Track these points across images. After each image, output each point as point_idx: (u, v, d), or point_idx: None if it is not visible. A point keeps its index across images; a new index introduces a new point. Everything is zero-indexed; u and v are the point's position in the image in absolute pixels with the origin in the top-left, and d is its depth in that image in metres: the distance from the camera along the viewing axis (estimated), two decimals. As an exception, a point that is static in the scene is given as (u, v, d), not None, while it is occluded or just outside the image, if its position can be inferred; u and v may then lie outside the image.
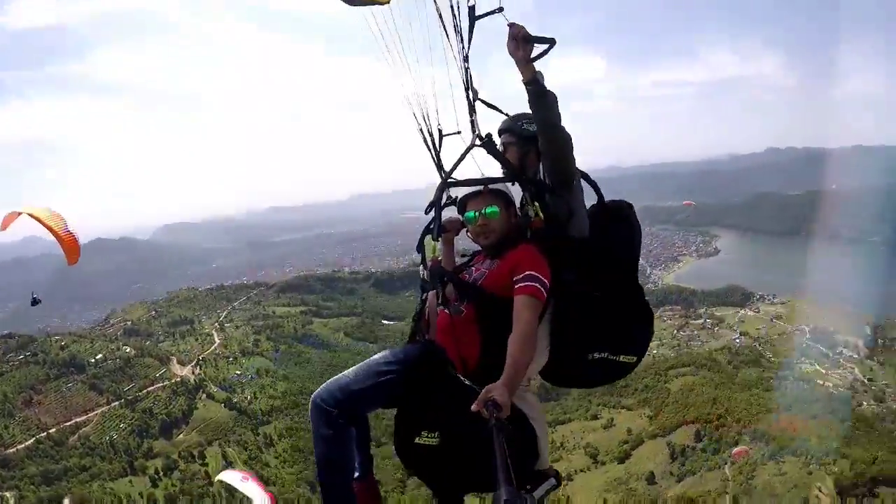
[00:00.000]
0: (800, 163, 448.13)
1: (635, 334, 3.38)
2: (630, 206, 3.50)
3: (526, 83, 2.90)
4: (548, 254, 3.09)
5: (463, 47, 3.20)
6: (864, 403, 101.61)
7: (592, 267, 3.21)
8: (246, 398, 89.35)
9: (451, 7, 3.04)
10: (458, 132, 3.72)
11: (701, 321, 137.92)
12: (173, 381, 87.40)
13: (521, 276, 2.92)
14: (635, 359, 3.36)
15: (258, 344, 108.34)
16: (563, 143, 3.16)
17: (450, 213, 3.77)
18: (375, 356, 3.12)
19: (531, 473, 2.92)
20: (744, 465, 68.75)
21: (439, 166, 3.80)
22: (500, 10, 2.91)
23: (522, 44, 2.82)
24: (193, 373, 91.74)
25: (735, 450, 73.77)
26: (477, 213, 3.29)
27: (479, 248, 3.54)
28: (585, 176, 3.39)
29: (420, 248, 3.58)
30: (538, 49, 2.85)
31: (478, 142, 3.50)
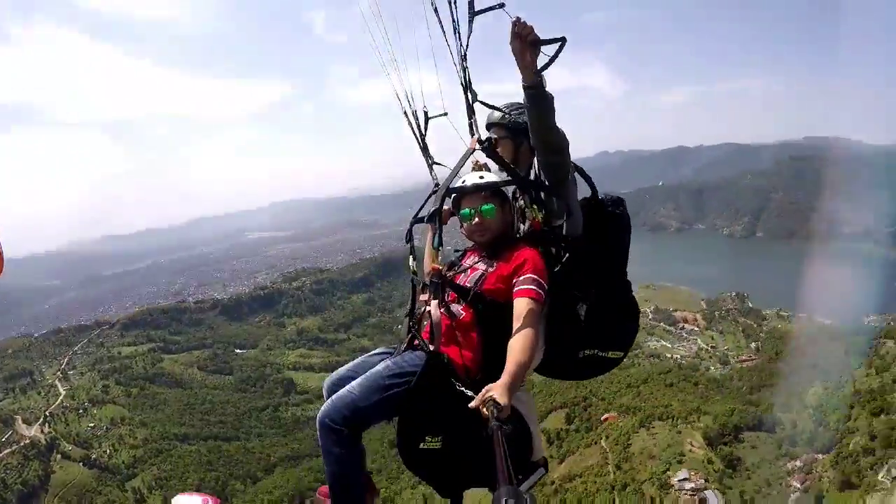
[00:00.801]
0: (628, 164, 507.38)
1: (623, 330, 3.42)
2: (622, 200, 3.49)
3: (527, 87, 2.80)
4: (544, 255, 3.13)
5: (461, 45, 3.08)
6: (712, 368, 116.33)
7: (587, 264, 3.21)
8: (105, 452, 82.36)
9: (449, 2, 2.95)
10: (445, 114, 3.69)
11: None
12: (22, 443, 78.82)
13: (521, 278, 2.94)
14: (622, 354, 3.43)
15: (108, 390, 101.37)
16: (560, 143, 3.11)
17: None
18: (378, 368, 3.04)
19: (525, 466, 3.01)
20: (618, 436, 74.23)
21: (425, 151, 3.78)
22: (502, 5, 2.79)
23: (530, 47, 2.68)
24: (42, 431, 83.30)
25: (604, 416, 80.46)
26: (472, 211, 3.25)
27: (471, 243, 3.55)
28: (579, 169, 3.38)
29: (409, 237, 3.58)
30: (545, 54, 2.73)
31: (478, 146, 3.42)
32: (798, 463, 66.37)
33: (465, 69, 3.16)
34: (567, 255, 3.23)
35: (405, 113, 3.79)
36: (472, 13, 2.93)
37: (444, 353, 3.01)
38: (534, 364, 3.11)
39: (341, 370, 3.38)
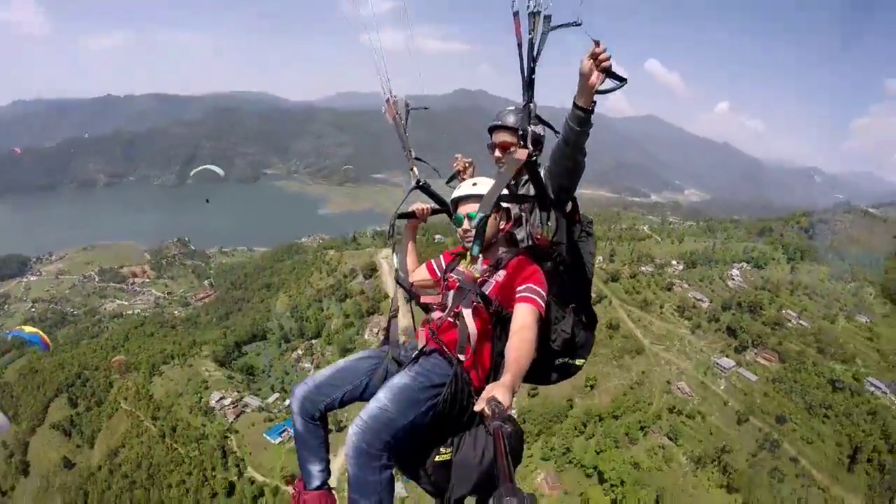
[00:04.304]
0: (51, 114, 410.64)
1: (588, 340, 3.57)
2: (592, 220, 3.63)
3: (582, 107, 2.83)
4: (544, 271, 3.25)
5: (534, 55, 3.00)
6: (176, 312, 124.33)
7: (572, 280, 3.47)
8: None
9: (530, 12, 2.91)
10: (426, 108, 4.11)
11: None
12: None
13: (525, 286, 3.03)
14: (584, 361, 3.57)
15: None
16: (581, 168, 3.24)
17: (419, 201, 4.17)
18: (405, 381, 2.87)
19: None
20: (135, 393, 77.71)
21: (403, 140, 4.02)
22: (578, 23, 2.72)
23: (601, 72, 2.69)
24: None
25: (114, 359, 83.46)
26: (464, 216, 3.36)
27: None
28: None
29: (392, 233, 3.83)
30: (608, 83, 2.75)
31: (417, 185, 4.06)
32: (300, 351, 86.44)
33: (531, 81, 3.07)
34: (563, 271, 3.39)
35: (387, 101, 3.94)
36: (549, 27, 2.87)
37: (464, 366, 3.00)
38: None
39: (318, 377, 3.19)
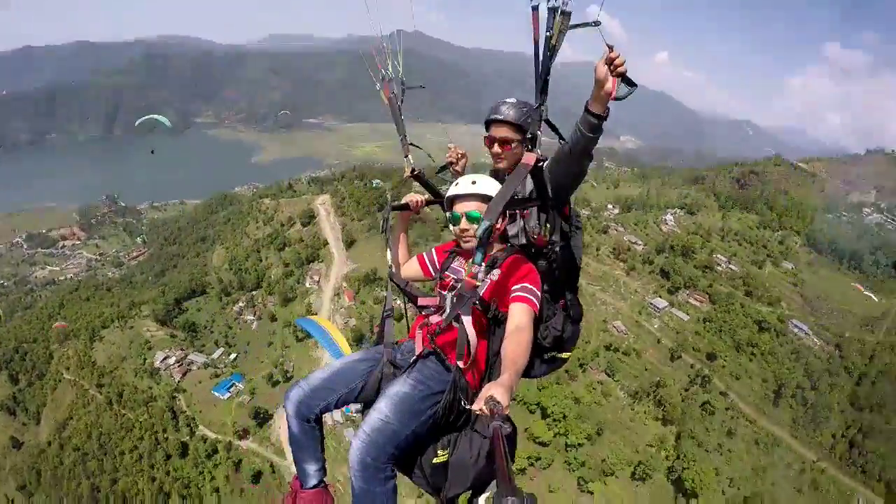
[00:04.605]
0: None
1: (575, 333, 3.58)
2: (579, 214, 3.65)
3: (597, 114, 2.83)
4: (539, 270, 3.26)
5: (550, 55, 2.94)
6: (109, 273, 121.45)
7: (563, 277, 3.48)
8: None
9: (550, 7, 2.82)
10: (422, 86, 4.00)
11: None
12: None
13: (520, 286, 3.04)
14: (569, 354, 3.58)
15: None
16: (586, 172, 3.24)
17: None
18: (405, 389, 2.90)
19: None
20: (77, 363, 76.40)
21: (399, 124, 3.87)
22: (597, 24, 2.72)
23: (616, 77, 2.67)
24: None
25: (55, 325, 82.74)
26: (461, 215, 3.28)
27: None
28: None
29: (385, 226, 3.64)
30: (622, 89, 2.73)
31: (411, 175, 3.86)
32: (241, 303, 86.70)
33: (546, 82, 3.06)
34: (557, 271, 3.41)
35: (382, 78, 3.82)
36: (567, 26, 2.84)
37: (462, 372, 3.01)
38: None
39: (313, 380, 3.18)
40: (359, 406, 3.27)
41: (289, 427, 3.17)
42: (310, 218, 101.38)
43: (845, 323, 73.27)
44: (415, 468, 2.97)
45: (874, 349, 68.52)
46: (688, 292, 76.99)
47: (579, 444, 58.85)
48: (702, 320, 72.46)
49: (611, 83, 2.65)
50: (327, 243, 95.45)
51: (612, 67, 2.62)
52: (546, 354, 3.50)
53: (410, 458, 2.94)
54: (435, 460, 2.91)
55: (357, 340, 70.47)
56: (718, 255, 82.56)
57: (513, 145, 3.49)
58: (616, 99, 2.72)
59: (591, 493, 56.90)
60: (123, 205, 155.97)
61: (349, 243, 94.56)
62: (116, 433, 63.80)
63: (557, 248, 3.40)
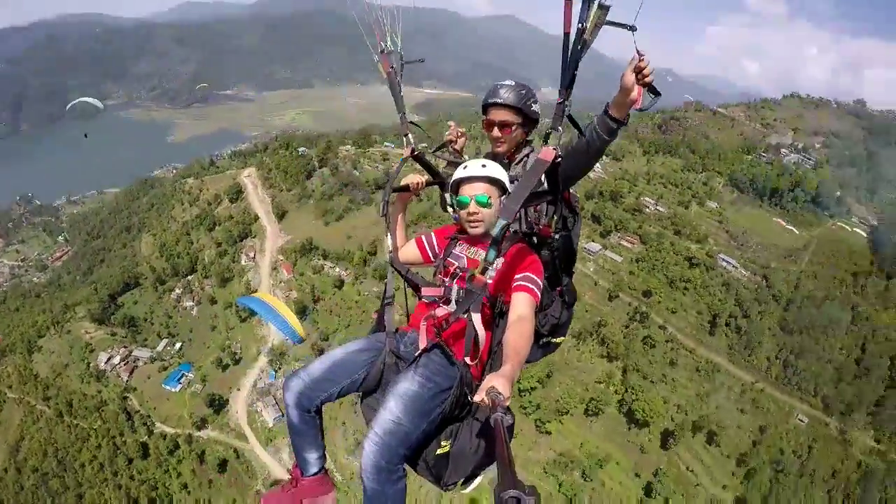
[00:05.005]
0: None
1: (568, 319, 3.64)
2: (577, 199, 3.64)
3: (619, 119, 2.85)
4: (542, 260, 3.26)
5: (581, 48, 2.74)
6: (34, 279, 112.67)
7: (561, 264, 3.45)
8: None
9: (586, 1, 2.65)
10: (422, 60, 3.82)
11: None
12: None
13: (523, 275, 3.03)
14: (564, 339, 3.65)
15: None
16: (593, 167, 3.33)
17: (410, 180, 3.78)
18: (412, 388, 2.84)
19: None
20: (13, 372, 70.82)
21: (399, 101, 3.69)
22: (633, 28, 2.57)
23: (642, 86, 2.64)
24: None
25: None
26: (470, 199, 3.22)
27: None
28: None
29: (385, 209, 3.60)
30: (645, 99, 2.70)
31: (411, 155, 3.72)
32: (178, 290, 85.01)
33: (573, 77, 2.85)
34: (558, 259, 3.39)
35: (382, 52, 3.65)
36: (603, 22, 2.65)
37: (467, 366, 2.98)
38: None
39: (314, 371, 3.12)
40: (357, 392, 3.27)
41: (288, 416, 3.14)
42: (237, 193, 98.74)
43: (770, 255, 79.17)
44: (419, 460, 2.97)
45: (798, 277, 74.62)
46: (619, 235, 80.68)
47: (532, 389, 61.73)
48: (635, 260, 76.41)
49: (636, 92, 2.66)
50: (258, 217, 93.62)
51: (639, 76, 2.62)
52: (542, 340, 3.52)
53: (417, 451, 2.93)
54: (438, 451, 2.92)
55: (299, 313, 70.30)
56: (646, 198, 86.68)
57: (512, 128, 3.46)
58: (640, 109, 2.72)
59: (549, 432, 60.09)
60: (39, 203, 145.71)
61: (280, 215, 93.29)
62: (73, 446, 61.01)
63: (562, 237, 3.38)
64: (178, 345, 76.58)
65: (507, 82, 3.48)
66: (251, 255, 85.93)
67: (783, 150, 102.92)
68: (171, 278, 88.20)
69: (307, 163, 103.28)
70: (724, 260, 77.13)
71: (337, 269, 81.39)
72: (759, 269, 76.98)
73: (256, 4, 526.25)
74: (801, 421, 64.28)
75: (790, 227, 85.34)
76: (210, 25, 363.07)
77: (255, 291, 73.38)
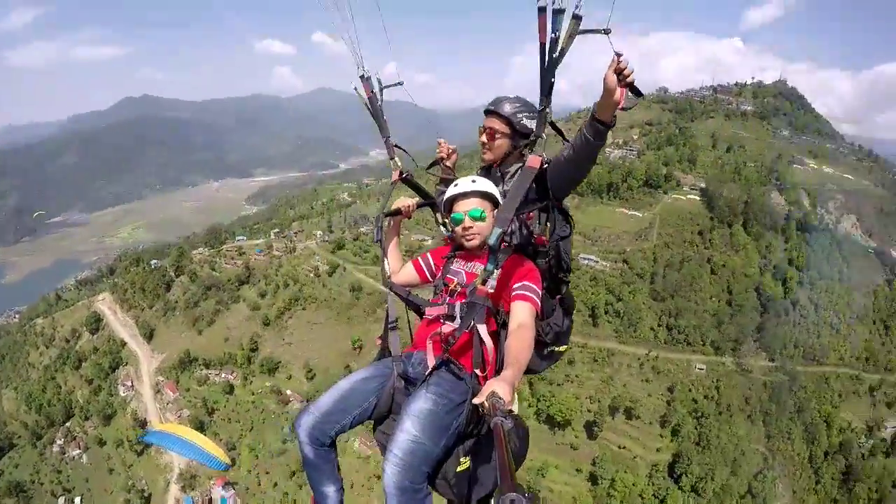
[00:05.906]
0: None
1: (569, 327, 3.63)
2: (567, 207, 3.55)
3: (605, 122, 2.81)
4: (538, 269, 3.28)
5: (555, 57, 2.81)
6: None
7: (557, 271, 3.42)
8: None
9: (555, 9, 2.71)
10: (400, 83, 3.86)
11: None
12: None
13: (522, 283, 3.06)
14: (566, 347, 3.64)
15: None
16: (586, 175, 3.28)
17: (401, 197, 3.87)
18: (427, 405, 2.83)
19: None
20: None
21: (381, 123, 3.80)
22: (608, 31, 2.58)
23: (624, 87, 2.63)
24: None
25: None
26: (464, 215, 3.28)
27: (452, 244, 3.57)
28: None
29: (378, 236, 3.63)
30: (629, 98, 2.70)
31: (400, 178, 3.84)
32: (59, 441, 76.08)
33: (551, 85, 2.91)
34: (554, 269, 3.37)
35: (361, 77, 3.71)
36: (577, 30, 2.70)
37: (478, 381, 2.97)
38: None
39: (322, 405, 3.09)
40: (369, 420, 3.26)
41: (302, 453, 3.11)
42: (96, 322, 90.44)
43: (623, 241, 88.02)
44: (438, 477, 2.90)
45: (654, 252, 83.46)
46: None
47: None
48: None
49: (619, 93, 2.64)
50: (125, 343, 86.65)
51: (620, 77, 2.60)
52: (545, 350, 3.51)
53: (436, 468, 2.88)
54: (458, 468, 2.88)
55: (198, 429, 64.73)
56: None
57: (496, 136, 3.50)
58: (623, 109, 2.74)
59: (476, 457, 60.25)
60: None
61: (148, 335, 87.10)
62: None
63: (556, 245, 3.37)
64: (77, 500, 67.82)
65: (510, 96, 3.56)
66: (128, 383, 78.62)
67: (607, 150, 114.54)
68: (47, 430, 78.02)
69: (163, 274, 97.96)
70: (584, 258, 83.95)
71: (223, 375, 78.05)
72: (617, 257, 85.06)
73: (69, 120, 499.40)
74: (701, 369, 71.56)
75: (633, 212, 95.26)
76: (24, 150, 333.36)
77: (146, 421, 68.12)
